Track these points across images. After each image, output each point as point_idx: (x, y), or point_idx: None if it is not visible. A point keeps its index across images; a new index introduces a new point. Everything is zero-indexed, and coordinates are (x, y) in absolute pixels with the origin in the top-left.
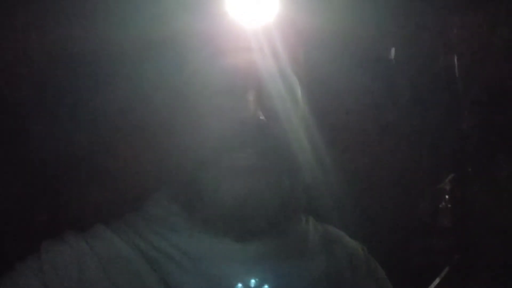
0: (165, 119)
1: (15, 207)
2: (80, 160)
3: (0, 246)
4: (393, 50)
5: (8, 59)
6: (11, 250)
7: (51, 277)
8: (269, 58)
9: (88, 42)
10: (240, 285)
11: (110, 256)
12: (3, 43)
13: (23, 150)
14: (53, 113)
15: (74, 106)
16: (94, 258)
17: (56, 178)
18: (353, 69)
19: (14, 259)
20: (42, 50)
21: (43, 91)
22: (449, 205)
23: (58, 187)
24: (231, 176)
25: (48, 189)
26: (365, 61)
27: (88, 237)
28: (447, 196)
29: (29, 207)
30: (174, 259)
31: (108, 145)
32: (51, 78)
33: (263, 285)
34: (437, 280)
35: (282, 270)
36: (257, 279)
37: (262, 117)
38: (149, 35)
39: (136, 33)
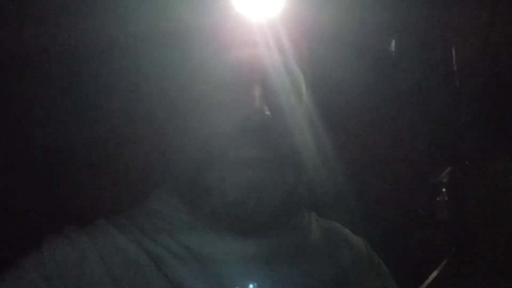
0: (170, 115)
1: (17, 202)
2: (83, 155)
3: (1, 242)
4: (393, 42)
5: (10, 56)
6: (13, 245)
7: (53, 272)
8: (274, 53)
9: (92, 37)
10: None
11: (111, 251)
12: (5, 41)
13: (26, 145)
14: (56, 109)
15: (78, 102)
16: (95, 253)
17: (58, 174)
18: (355, 63)
19: (16, 255)
20: (45, 45)
21: (46, 86)
22: (447, 198)
23: (60, 183)
24: (236, 170)
25: (51, 185)
26: (366, 56)
27: (89, 232)
28: (444, 189)
29: (31, 202)
30: (176, 255)
31: (111, 141)
32: (55, 73)
33: None
34: (435, 273)
35: (282, 273)
36: (255, 284)
37: (267, 112)
38: (154, 29)
39: (141, 28)
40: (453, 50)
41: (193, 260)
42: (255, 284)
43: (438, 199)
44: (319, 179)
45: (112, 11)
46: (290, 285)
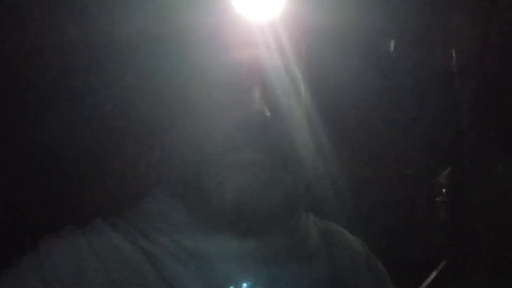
0: (168, 115)
1: (15, 204)
2: (80, 156)
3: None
4: (392, 42)
5: (15, 52)
6: (11, 247)
7: (50, 273)
8: (274, 54)
9: (90, 37)
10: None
11: (109, 251)
12: (8, 37)
13: (23, 147)
14: (53, 110)
15: (75, 102)
16: (92, 254)
17: (55, 174)
18: (355, 65)
19: (13, 256)
20: (48, 43)
21: (43, 88)
22: (446, 199)
23: (57, 183)
24: (235, 173)
25: (48, 185)
26: (366, 57)
27: (86, 233)
28: (444, 190)
29: (28, 204)
30: (174, 255)
31: (108, 141)
32: (52, 74)
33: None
34: (433, 274)
35: (278, 272)
36: (250, 282)
37: (267, 113)
38: (153, 29)
39: (139, 28)
40: (453, 51)
41: (190, 259)
42: (250, 282)
43: (437, 199)
44: (318, 180)
45: (111, 11)
46: (286, 284)
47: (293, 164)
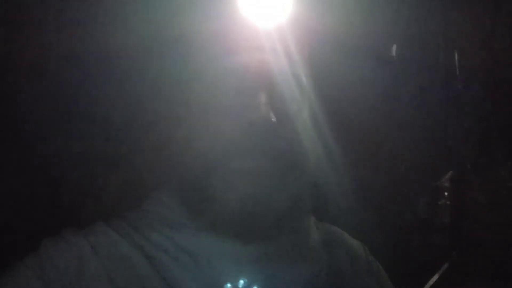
0: (174, 119)
1: (16, 205)
2: (83, 158)
3: (0, 244)
4: (394, 47)
5: (16, 58)
6: (11, 248)
7: (51, 275)
8: (281, 59)
9: (96, 40)
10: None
11: (110, 253)
12: (8, 43)
13: (24, 147)
14: (56, 111)
15: (79, 105)
16: (94, 256)
17: (57, 176)
18: (359, 69)
19: (14, 258)
20: (49, 49)
21: (47, 88)
22: (448, 202)
23: (59, 185)
24: (241, 178)
25: (49, 187)
26: (371, 61)
27: (88, 235)
28: (446, 193)
29: (29, 205)
30: (173, 256)
31: (113, 144)
32: (57, 75)
33: (253, 285)
34: (435, 277)
35: (276, 272)
36: (246, 280)
37: (273, 119)
38: (159, 33)
39: (145, 32)
40: (455, 54)
41: (189, 259)
42: (246, 280)
43: (439, 203)
44: (322, 184)
45: (117, 15)
46: (283, 283)
47: (298, 169)
